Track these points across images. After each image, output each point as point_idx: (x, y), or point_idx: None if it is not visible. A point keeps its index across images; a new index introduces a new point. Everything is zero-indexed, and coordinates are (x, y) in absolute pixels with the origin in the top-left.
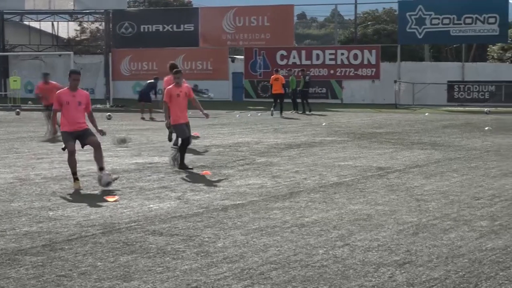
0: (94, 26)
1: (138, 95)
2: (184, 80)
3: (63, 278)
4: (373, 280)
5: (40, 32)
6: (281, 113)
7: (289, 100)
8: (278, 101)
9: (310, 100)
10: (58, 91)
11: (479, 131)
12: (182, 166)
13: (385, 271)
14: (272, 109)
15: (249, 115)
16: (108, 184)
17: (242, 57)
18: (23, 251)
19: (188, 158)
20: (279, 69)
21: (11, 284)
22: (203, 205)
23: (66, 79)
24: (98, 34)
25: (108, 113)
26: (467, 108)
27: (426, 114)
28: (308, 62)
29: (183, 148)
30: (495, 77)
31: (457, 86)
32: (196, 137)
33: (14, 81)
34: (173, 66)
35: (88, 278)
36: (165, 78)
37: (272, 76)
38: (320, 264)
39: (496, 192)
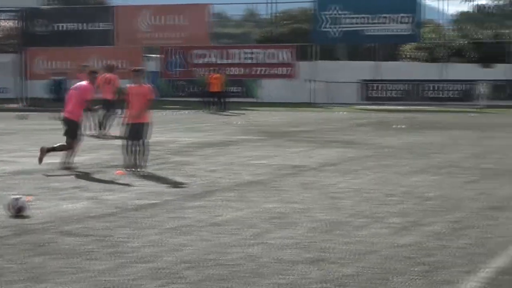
0: (8, 24)
1: (53, 94)
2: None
3: None
4: (287, 277)
5: None
6: (224, 109)
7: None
8: (216, 99)
9: (226, 99)
10: None
11: (392, 129)
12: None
13: (299, 269)
14: (212, 106)
15: (174, 114)
16: None
17: (158, 56)
18: None
19: (103, 157)
20: (216, 69)
21: None
22: (117, 205)
23: None
24: (12, 33)
25: (21, 113)
26: (381, 107)
27: (341, 112)
28: (225, 61)
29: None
30: (409, 76)
31: (371, 84)
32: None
33: None
34: (111, 67)
35: None
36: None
37: (211, 75)
38: (235, 263)
39: (408, 189)
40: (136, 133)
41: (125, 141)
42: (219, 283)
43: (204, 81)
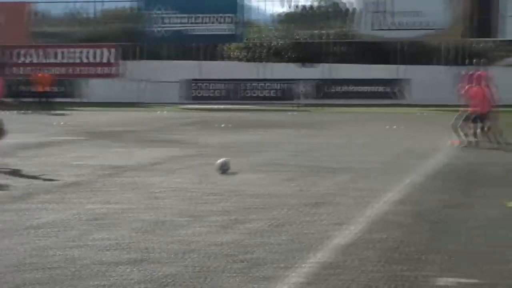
0: None
1: None
2: None
3: None
4: (110, 279)
5: None
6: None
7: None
8: (43, 99)
9: (50, 99)
10: None
11: (215, 128)
12: None
13: (120, 270)
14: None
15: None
16: None
17: None
18: None
19: None
20: (41, 68)
21: None
22: None
23: None
24: None
25: None
26: (204, 106)
27: (165, 112)
28: (47, 61)
29: None
30: (232, 75)
31: (194, 84)
32: None
33: None
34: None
35: None
36: None
37: (38, 74)
38: (54, 266)
39: (229, 187)
40: None
41: None
42: (39, 286)
43: (31, 81)
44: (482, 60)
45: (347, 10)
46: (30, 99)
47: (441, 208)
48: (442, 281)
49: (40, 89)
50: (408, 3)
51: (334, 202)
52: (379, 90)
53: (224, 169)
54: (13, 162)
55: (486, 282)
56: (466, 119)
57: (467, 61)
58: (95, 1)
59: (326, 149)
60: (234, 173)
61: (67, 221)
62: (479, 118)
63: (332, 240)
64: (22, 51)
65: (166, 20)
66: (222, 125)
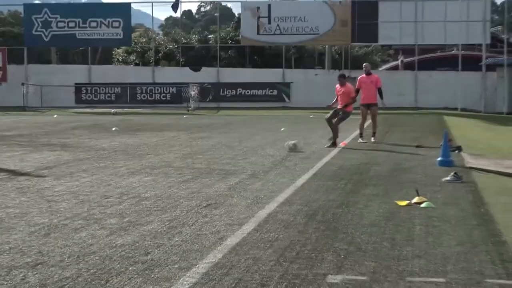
0: None
1: None
2: None
3: None
4: (5, 283)
5: None
6: None
7: None
8: None
9: None
10: None
11: (107, 132)
12: None
13: (17, 274)
14: None
15: None
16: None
17: None
18: None
19: None
20: None
21: None
22: None
23: None
24: None
25: None
26: (94, 110)
27: (55, 116)
28: None
29: None
30: (121, 79)
31: (84, 88)
32: None
33: None
34: None
35: None
36: None
37: None
38: None
39: (124, 190)
40: None
41: None
42: None
43: None
44: (365, 64)
45: (233, 15)
46: None
47: (330, 207)
48: (333, 278)
49: None
50: (291, 9)
51: (226, 203)
52: (266, 93)
53: (293, 149)
54: None
55: (374, 278)
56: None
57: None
58: None
59: (218, 151)
60: (127, 176)
61: None
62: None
63: (226, 240)
64: None
65: (54, 24)
66: (113, 129)
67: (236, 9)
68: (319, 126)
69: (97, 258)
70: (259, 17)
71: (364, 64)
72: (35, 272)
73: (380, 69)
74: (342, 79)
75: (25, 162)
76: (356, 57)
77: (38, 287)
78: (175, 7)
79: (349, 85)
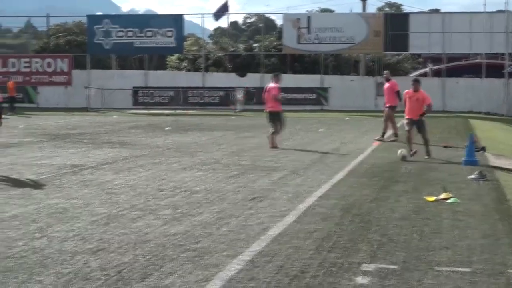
0: None
1: None
2: None
3: None
4: (69, 267)
5: None
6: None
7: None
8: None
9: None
10: None
11: (161, 131)
12: None
13: (80, 259)
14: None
15: None
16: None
17: None
18: None
19: None
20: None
21: None
22: None
23: None
24: None
25: None
26: (150, 111)
27: (115, 116)
28: (4, 70)
29: None
30: (174, 84)
31: (141, 91)
32: None
33: None
34: None
35: None
36: None
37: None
38: (20, 255)
39: (177, 184)
40: None
41: None
42: (7, 274)
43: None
44: (386, 72)
45: (275, 26)
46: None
47: (364, 202)
48: (367, 266)
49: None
50: (329, 20)
51: (270, 197)
52: (306, 98)
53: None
54: None
55: (404, 267)
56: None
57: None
58: (50, 16)
59: (261, 149)
60: (179, 171)
61: (30, 214)
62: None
63: (270, 231)
64: None
65: (114, 34)
66: (168, 128)
67: (279, 21)
68: (355, 127)
69: (152, 245)
70: (299, 28)
71: (384, 72)
72: (96, 258)
73: (410, 75)
74: (417, 84)
75: (87, 158)
76: (388, 65)
77: (99, 271)
78: (217, 16)
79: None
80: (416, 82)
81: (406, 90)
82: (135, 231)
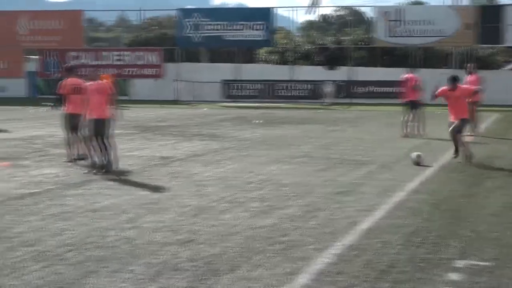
0: None
1: None
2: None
3: None
4: (159, 257)
5: None
6: None
7: None
8: None
9: None
10: None
11: (250, 124)
12: None
13: (170, 249)
14: None
15: (45, 110)
16: None
17: (37, 57)
18: None
19: None
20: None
21: None
22: (1, 194)
23: None
24: None
25: None
26: (239, 104)
27: (205, 109)
28: (98, 63)
29: None
30: (263, 77)
31: (231, 84)
32: None
33: None
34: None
35: None
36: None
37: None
38: (112, 245)
39: (265, 177)
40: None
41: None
42: (99, 263)
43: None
44: (469, 65)
45: (365, 18)
46: None
47: (453, 197)
48: (458, 263)
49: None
50: (420, 13)
51: (359, 191)
52: (396, 91)
53: (418, 161)
54: (73, 153)
55: (496, 265)
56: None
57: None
58: (141, 10)
59: (351, 143)
60: (268, 164)
61: (121, 205)
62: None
63: (358, 225)
64: (77, 54)
65: (204, 27)
66: (256, 121)
67: (368, 13)
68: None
69: (240, 237)
70: (390, 20)
71: (468, 64)
72: (185, 249)
73: (504, 69)
74: (454, 83)
75: (176, 150)
76: (480, 58)
77: (188, 262)
78: (310, 10)
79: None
80: (453, 80)
81: (442, 88)
82: (224, 223)
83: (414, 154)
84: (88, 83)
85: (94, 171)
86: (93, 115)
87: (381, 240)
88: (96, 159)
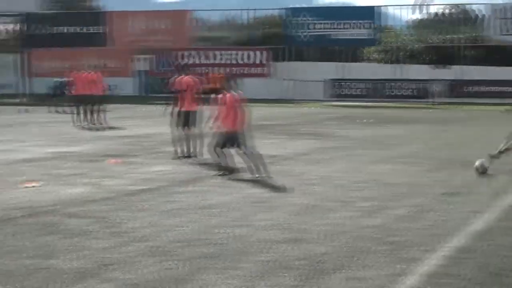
0: (9, 27)
1: (53, 91)
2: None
3: None
4: (268, 255)
5: None
6: None
7: None
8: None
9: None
10: None
11: (357, 123)
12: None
13: (279, 248)
14: None
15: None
16: None
17: (147, 56)
18: None
19: (99, 147)
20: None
21: None
22: (115, 190)
23: None
24: (13, 35)
25: (23, 107)
26: (345, 103)
27: (312, 108)
28: (206, 61)
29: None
30: (370, 75)
31: (337, 83)
32: None
33: None
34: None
35: (10, 257)
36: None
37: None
38: (222, 242)
39: (373, 176)
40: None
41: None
42: (209, 260)
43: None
44: None
45: (476, 16)
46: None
47: None
48: None
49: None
50: None
51: (469, 192)
52: (509, 90)
53: (481, 170)
54: (182, 150)
55: None
56: None
57: None
58: (248, 10)
59: (460, 143)
60: (376, 164)
61: (231, 203)
62: None
63: (468, 226)
64: (186, 53)
65: (311, 26)
66: (364, 120)
67: (479, 11)
68: None
69: (348, 237)
70: (502, 18)
71: None
72: (293, 247)
73: None
74: None
75: (285, 149)
76: None
77: (296, 260)
78: (418, 8)
79: None
80: None
81: None
82: (331, 223)
83: (478, 163)
84: (220, 96)
85: (222, 173)
86: (227, 127)
87: (493, 243)
88: (224, 162)
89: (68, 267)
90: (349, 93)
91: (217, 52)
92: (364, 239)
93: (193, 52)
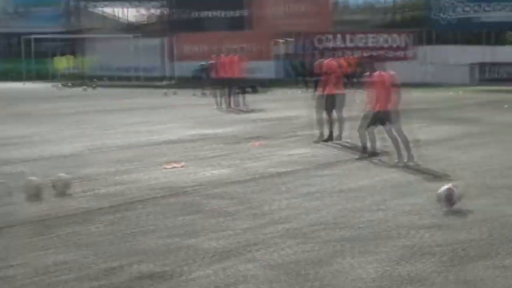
0: (156, 11)
1: (199, 74)
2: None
3: (128, 236)
4: (404, 241)
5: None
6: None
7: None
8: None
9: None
10: None
11: (505, 109)
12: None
13: (417, 233)
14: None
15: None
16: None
17: (288, 39)
18: (97, 211)
19: (241, 130)
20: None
21: (83, 239)
22: (257, 172)
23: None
24: (160, 19)
25: (169, 90)
26: (492, 88)
27: (460, 92)
28: (346, 45)
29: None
30: None
31: (483, 67)
32: None
33: (58, 61)
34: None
35: (151, 235)
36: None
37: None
38: (360, 226)
39: None
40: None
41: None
42: (347, 243)
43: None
44: None
45: None
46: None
47: None
48: None
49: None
50: None
51: None
52: None
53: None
54: (324, 134)
55: None
56: None
57: None
58: None
59: None
60: None
61: (370, 187)
62: None
63: None
64: (328, 37)
65: (456, 8)
66: (505, 106)
67: None
68: None
69: (488, 225)
70: None
71: None
72: (432, 233)
73: None
74: None
75: (427, 134)
76: None
77: (435, 247)
78: None
79: None
80: None
81: None
82: (475, 209)
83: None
84: (369, 75)
85: (367, 156)
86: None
87: None
88: (369, 145)
89: (209, 246)
90: (496, 77)
91: (360, 35)
92: (506, 227)
93: (335, 36)
